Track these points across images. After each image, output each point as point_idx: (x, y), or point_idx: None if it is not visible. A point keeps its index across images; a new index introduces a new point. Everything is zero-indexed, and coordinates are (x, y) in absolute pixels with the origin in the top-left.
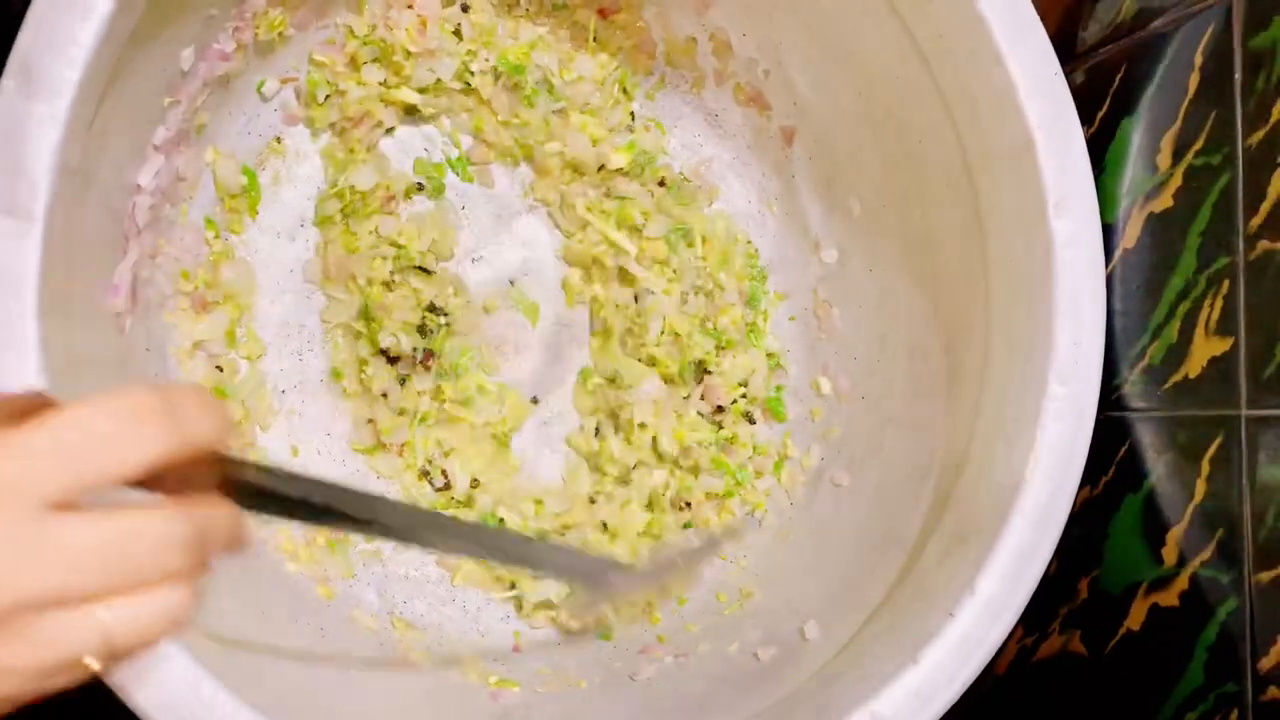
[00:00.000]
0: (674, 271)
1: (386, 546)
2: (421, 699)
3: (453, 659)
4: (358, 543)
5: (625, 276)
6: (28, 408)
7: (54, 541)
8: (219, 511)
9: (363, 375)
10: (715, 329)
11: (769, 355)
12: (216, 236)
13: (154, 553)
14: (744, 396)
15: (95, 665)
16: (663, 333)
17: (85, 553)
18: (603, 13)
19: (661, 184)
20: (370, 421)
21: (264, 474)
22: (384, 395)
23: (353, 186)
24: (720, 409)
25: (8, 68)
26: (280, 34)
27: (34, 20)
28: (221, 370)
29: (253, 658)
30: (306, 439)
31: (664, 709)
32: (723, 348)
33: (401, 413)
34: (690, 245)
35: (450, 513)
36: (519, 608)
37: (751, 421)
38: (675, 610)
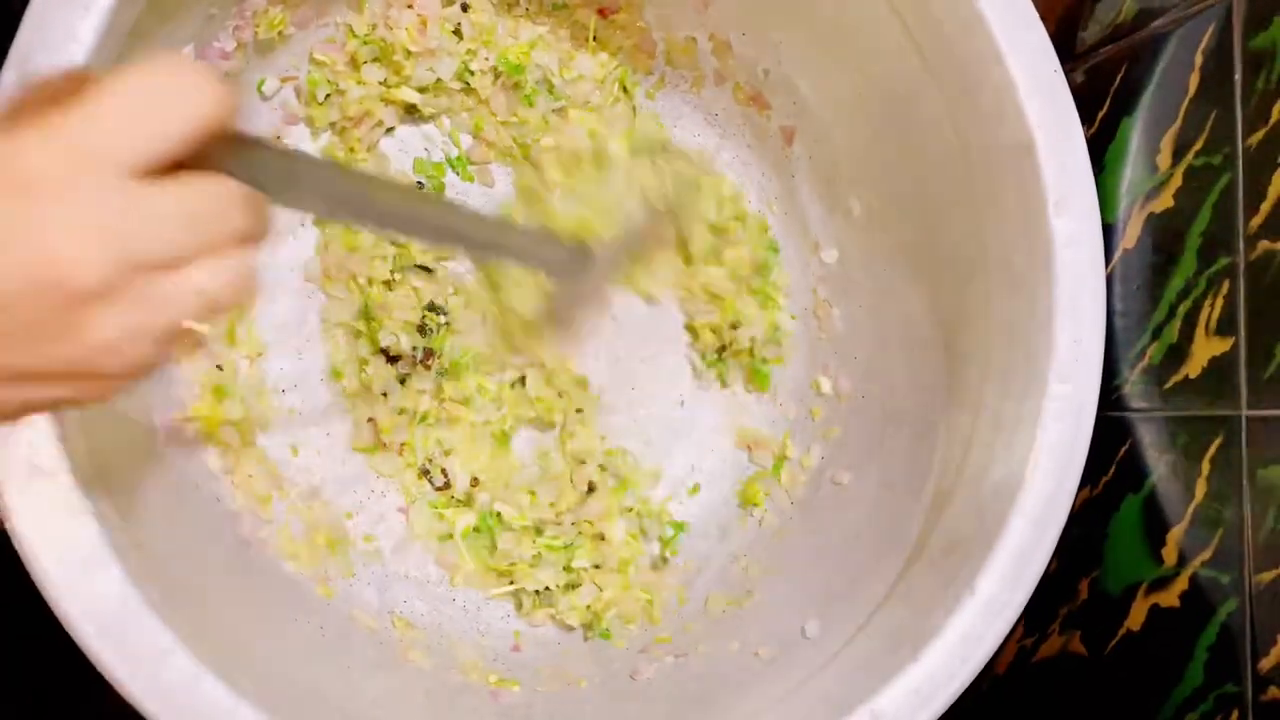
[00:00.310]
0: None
1: (386, 547)
2: (421, 698)
3: (453, 658)
4: (358, 543)
5: None
6: (73, 85)
7: (146, 206)
8: (252, 194)
9: (363, 374)
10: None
11: (774, 327)
12: None
13: (223, 214)
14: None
15: (200, 327)
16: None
17: (174, 216)
18: (602, 12)
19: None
20: (370, 420)
21: (277, 154)
22: (384, 394)
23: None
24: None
25: (7, 63)
26: (280, 33)
27: (34, 16)
28: (222, 369)
29: (253, 656)
30: (307, 438)
31: (664, 708)
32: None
33: (401, 412)
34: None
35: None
36: (519, 606)
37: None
38: (676, 610)
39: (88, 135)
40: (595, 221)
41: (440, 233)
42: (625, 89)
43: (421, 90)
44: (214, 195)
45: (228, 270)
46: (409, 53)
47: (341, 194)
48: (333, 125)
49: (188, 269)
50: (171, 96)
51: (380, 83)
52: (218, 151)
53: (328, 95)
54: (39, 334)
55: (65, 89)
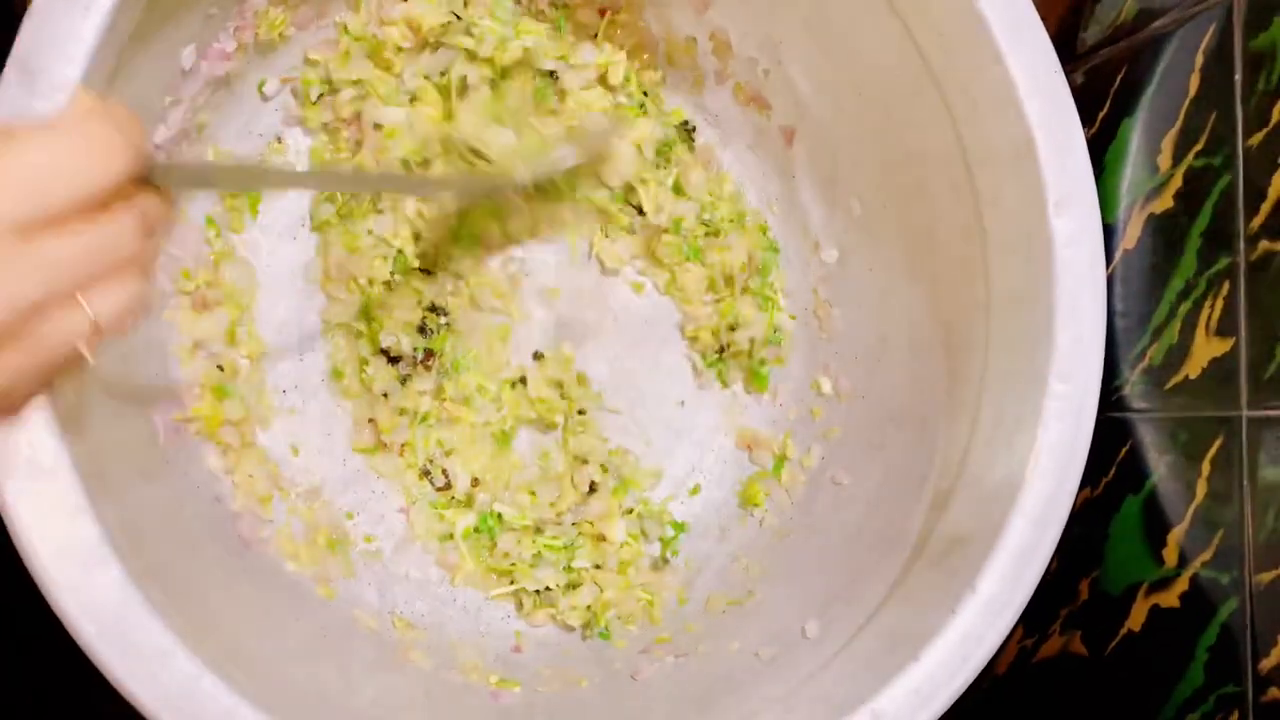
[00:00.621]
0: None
1: (387, 547)
2: (422, 698)
3: (453, 659)
4: (358, 543)
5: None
6: None
7: (34, 254)
8: (149, 198)
9: (363, 375)
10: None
11: (774, 329)
12: (217, 236)
13: (115, 246)
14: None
15: (86, 352)
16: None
17: (62, 256)
18: (603, 12)
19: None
20: (371, 421)
21: (182, 171)
22: (384, 395)
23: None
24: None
25: (9, 64)
26: (281, 33)
27: (35, 17)
28: (222, 369)
29: (254, 657)
30: (307, 438)
31: (665, 708)
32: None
33: (402, 412)
34: (684, 195)
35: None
36: (519, 606)
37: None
38: (676, 610)
39: None
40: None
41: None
42: (628, 78)
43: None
44: (106, 233)
45: (116, 292)
46: (400, 49)
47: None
48: (324, 126)
49: (71, 306)
50: (74, 163)
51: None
52: (132, 182)
53: (320, 95)
54: None
55: None
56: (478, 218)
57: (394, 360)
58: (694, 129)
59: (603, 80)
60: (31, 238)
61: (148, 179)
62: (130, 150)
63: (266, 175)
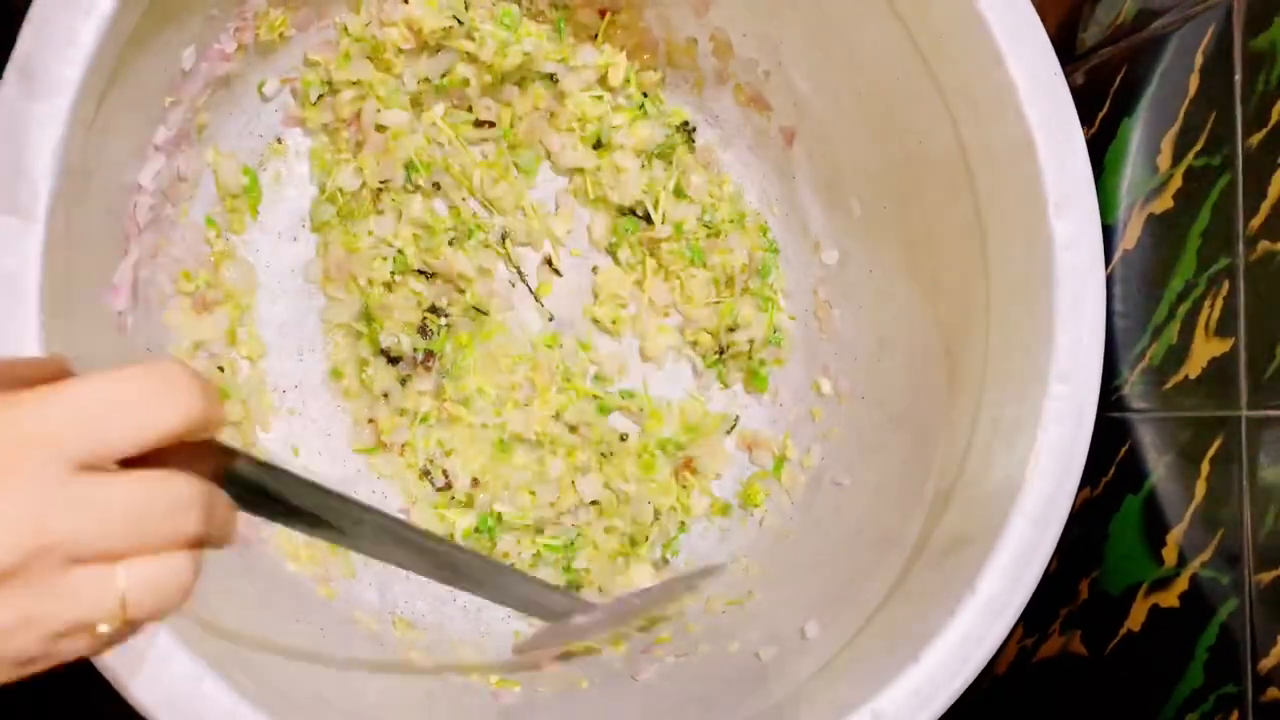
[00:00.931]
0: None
1: None
2: (422, 699)
3: (453, 659)
4: None
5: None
6: (46, 373)
7: (79, 494)
8: (215, 494)
9: (363, 375)
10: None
11: (774, 330)
12: (218, 236)
13: (171, 513)
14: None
15: (106, 630)
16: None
17: (108, 507)
18: (603, 13)
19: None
20: (371, 421)
21: (258, 466)
22: (384, 395)
23: (340, 188)
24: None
25: (9, 67)
26: (281, 34)
27: (35, 19)
28: (222, 370)
29: (254, 657)
30: (307, 439)
31: (665, 709)
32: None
33: (402, 413)
34: (685, 198)
35: (441, 536)
36: None
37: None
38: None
39: (40, 423)
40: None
41: (428, 564)
42: (628, 79)
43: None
44: (167, 493)
45: (156, 573)
46: (400, 50)
47: (325, 514)
48: (324, 127)
49: (109, 565)
50: (141, 402)
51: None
52: (195, 455)
53: (320, 96)
54: None
55: (35, 374)
56: None
57: (394, 361)
58: (694, 130)
59: (603, 81)
60: (83, 476)
61: (221, 474)
62: (200, 403)
63: (351, 514)
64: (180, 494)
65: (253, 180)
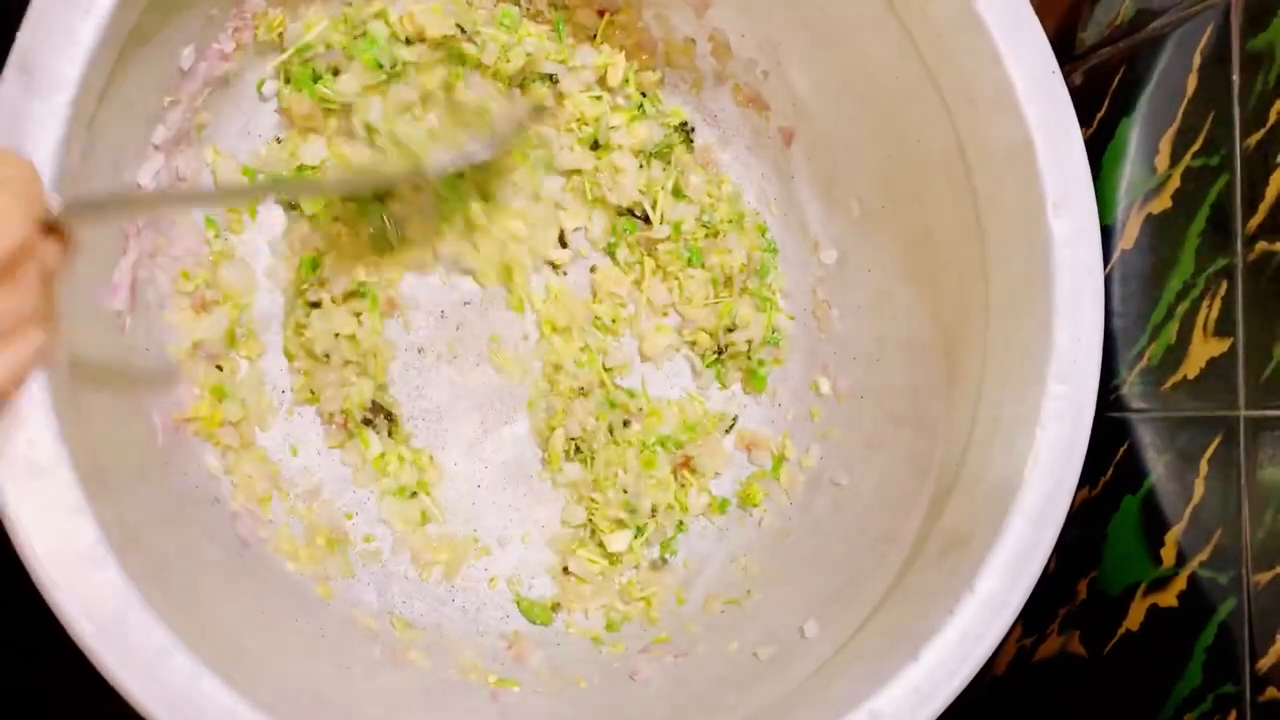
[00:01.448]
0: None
1: (386, 547)
2: (421, 698)
3: (452, 659)
4: (357, 543)
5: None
6: None
7: None
8: (49, 246)
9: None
10: (718, 268)
11: (772, 330)
12: (216, 236)
13: (16, 304)
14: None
15: None
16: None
17: None
18: (602, 13)
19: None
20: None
21: (77, 207)
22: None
23: (302, 164)
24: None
25: (8, 64)
26: (280, 34)
27: (34, 17)
28: (221, 370)
29: (253, 656)
30: (306, 439)
31: (664, 708)
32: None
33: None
34: (683, 198)
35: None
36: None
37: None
38: (675, 610)
39: None
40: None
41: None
42: (628, 80)
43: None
44: (6, 294)
45: (15, 356)
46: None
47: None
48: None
49: None
50: None
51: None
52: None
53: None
54: None
55: None
56: (377, 214)
57: (367, 421)
58: (693, 130)
59: (601, 82)
60: None
61: (51, 225)
62: (24, 214)
63: (171, 197)
64: (22, 285)
65: (252, 180)
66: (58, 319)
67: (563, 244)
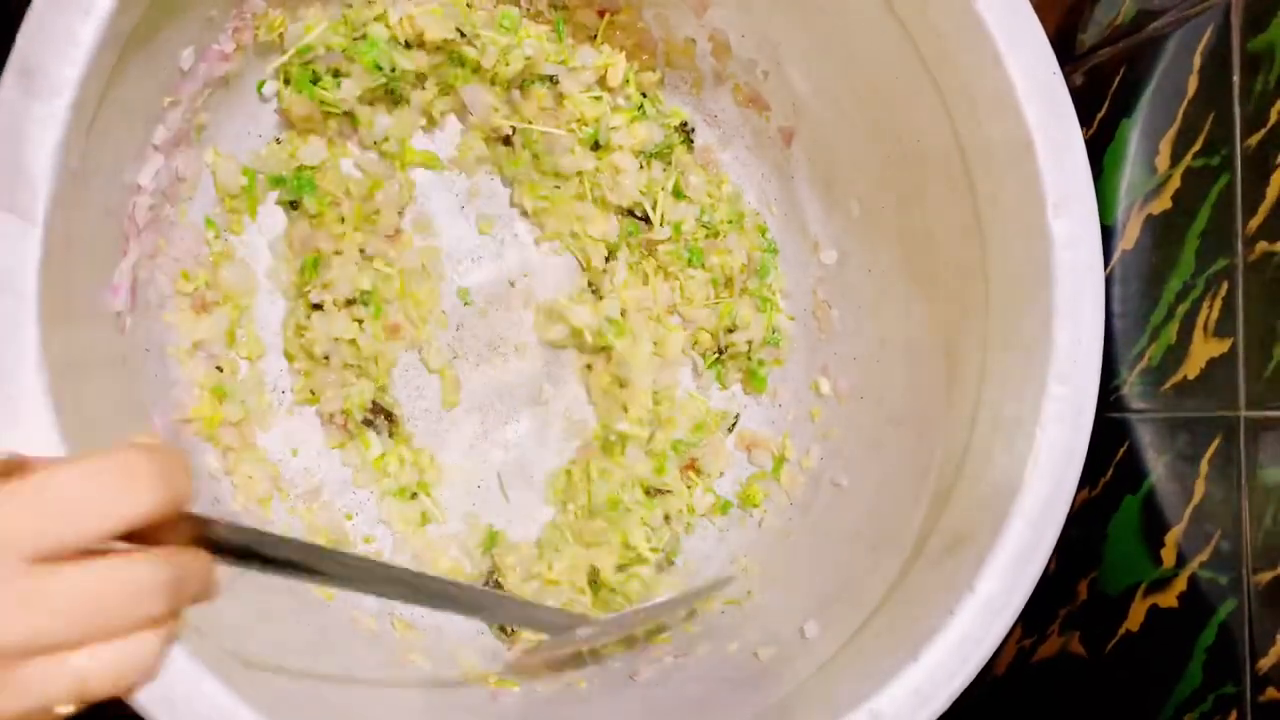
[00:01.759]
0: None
1: (387, 548)
2: (421, 699)
3: (452, 660)
4: (358, 544)
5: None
6: (7, 467)
7: (36, 592)
8: (192, 559)
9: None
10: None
11: (772, 330)
12: (216, 237)
13: (132, 600)
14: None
15: (67, 710)
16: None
17: (67, 601)
18: (602, 13)
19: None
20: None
21: (234, 531)
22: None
23: (302, 164)
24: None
25: (8, 67)
26: (280, 35)
27: (34, 19)
28: (221, 370)
29: (254, 659)
30: (306, 439)
31: (664, 709)
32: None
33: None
34: (683, 198)
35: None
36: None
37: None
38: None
39: None
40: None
41: (419, 598)
42: (628, 80)
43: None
44: (127, 580)
45: (116, 657)
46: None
47: (309, 564)
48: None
49: (67, 654)
50: (100, 497)
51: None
52: (170, 528)
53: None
54: None
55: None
56: None
57: (368, 422)
58: (693, 130)
59: (601, 82)
60: (40, 570)
61: (196, 537)
62: (164, 486)
63: (326, 562)
64: (141, 579)
65: (251, 181)
66: (173, 639)
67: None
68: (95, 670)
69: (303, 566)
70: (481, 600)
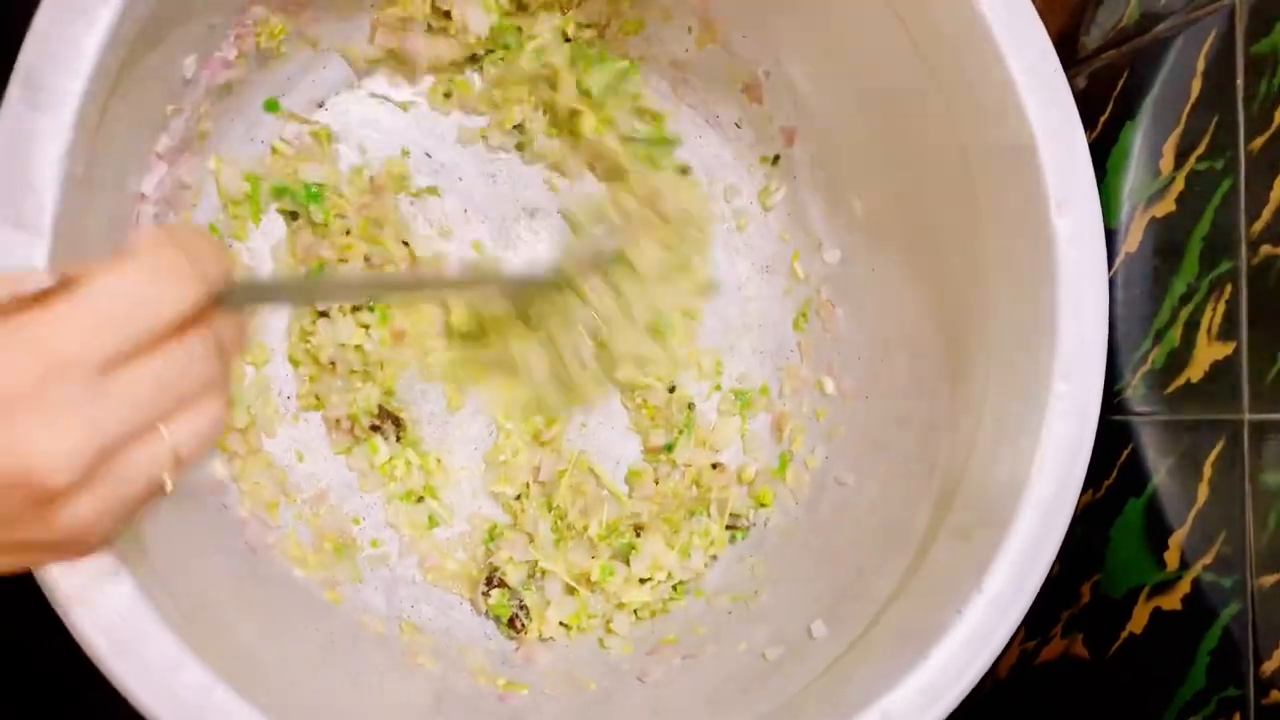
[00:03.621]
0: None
1: (393, 551)
2: (430, 702)
3: (461, 663)
4: (365, 548)
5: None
6: (61, 284)
7: (114, 392)
8: (225, 321)
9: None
10: None
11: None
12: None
13: (192, 372)
14: None
15: (169, 483)
16: None
17: (141, 391)
18: (605, 25)
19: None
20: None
21: (251, 288)
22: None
23: (306, 184)
24: None
25: (12, 80)
26: (281, 42)
27: (38, 30)
28: None
29: (264, 665)
30: (312, 444)
31: (672, 710)
32: None
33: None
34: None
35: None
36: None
37: None
38: (682, 610)
39: (58, 340)
40: None
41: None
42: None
43: None
44: (188, 357)
45: (195, 422)
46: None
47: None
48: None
49: (153, 439)
50: (150, 298)
51: None
52: (208, 305)
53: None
54: (14, 522)
55: (49, 292)
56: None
57: (375, 428)
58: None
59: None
60: (110, 373)
61: (222, 300)
62: (201, 277)
63: (331, 286)
64: (194, 352)
65: (255, 187)
66: (230, 399)
67: None
68: (181, 438)
69: (309, 295)
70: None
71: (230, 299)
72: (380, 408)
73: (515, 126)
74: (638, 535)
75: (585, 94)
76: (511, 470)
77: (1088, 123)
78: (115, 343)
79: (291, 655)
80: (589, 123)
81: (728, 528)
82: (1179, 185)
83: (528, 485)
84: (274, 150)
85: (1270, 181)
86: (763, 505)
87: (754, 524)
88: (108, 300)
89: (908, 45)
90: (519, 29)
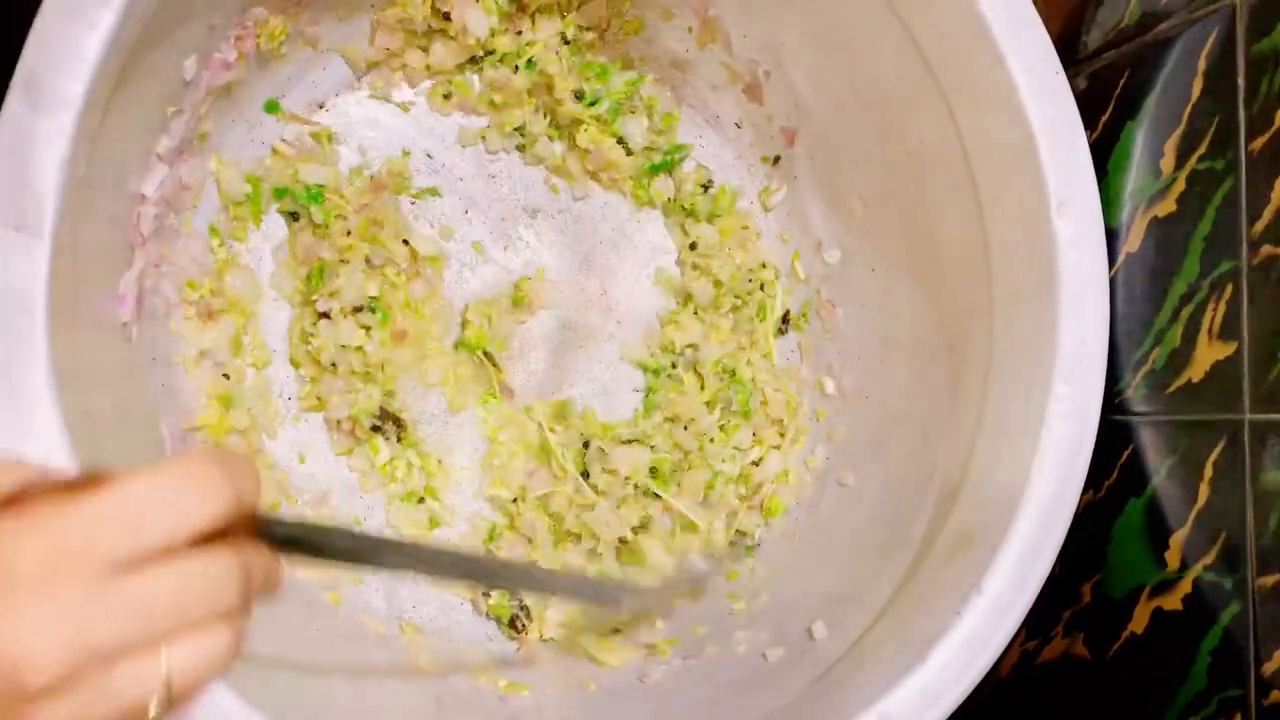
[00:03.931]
0: None
1: None
2: (431, 703)
3: (461, 663)
4: None
5: None
6: (85, 480)
7: (120, 597)
8: (257, 553)
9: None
10: None
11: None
12: (221, 245)
13: (208, 596)
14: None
15: (156, 710)
16: None
17: (148, 603)
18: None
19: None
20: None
21: (296, 527)
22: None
23: (307, 185)
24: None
25: (13, 83)
26: (281, 43)
27: (39, 33)
28: (228, 378)
29: (265, 666)
30: (313, 445)
31: (673, 711)
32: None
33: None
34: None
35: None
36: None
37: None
38: (682, 612)
39: (72, 531)
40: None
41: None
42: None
43: None
44: (203, 576)
45: (197, 650)
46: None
47: (360, 553)
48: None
49: (151, 655)
50: (174, 504)
51: None
52: (235, 524)
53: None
54: None
55: (75, 483)
56: None
57: (377, 429)
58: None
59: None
60: (119, 576)
61: (263, 533)
62: (233, 493)
63: (382, 549)
64: (215, 573)
65: (255, 188)
66: (245, 633)
67: None
68: (179, 666)
69: (359, 557)
70: (535, 575)
71: (271, 533)
72: (381, 409)
73: (516, 129)
74: (637, 535)
75: (585, 103)
76: (506, 474)
77: (1088, 123)
78: (130, 544)
79: (292, 656)
80: (589, 134)
81: (731, 543)
82: (1180, 185)
83: (524, 489)
84: (274, 151)
85: (1271, 181)
86: (771, 516)
87: (759, 543)
88: (131, 501)
89: (908, 45)
90: (518, 33)
